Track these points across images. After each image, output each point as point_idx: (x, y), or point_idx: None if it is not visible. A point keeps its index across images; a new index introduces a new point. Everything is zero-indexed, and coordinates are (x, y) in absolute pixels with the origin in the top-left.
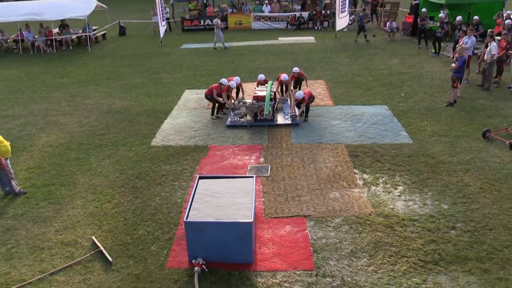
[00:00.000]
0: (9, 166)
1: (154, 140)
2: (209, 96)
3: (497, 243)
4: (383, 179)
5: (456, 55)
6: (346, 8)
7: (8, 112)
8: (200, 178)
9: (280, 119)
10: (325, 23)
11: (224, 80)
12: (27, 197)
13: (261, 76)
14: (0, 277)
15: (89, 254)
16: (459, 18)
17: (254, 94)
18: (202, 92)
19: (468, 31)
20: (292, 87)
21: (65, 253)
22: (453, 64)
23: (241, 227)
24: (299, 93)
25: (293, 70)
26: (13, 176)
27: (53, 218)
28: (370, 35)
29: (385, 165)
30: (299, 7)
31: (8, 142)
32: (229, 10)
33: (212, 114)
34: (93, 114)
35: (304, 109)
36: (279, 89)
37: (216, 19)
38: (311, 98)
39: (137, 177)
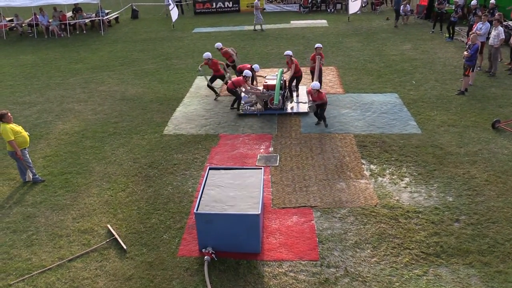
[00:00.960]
0: (27, 156)
1: (166, 129)
2: (233, 90)
3: (499, 236)
4: (390, 170)
5: (469, 42)
6: None
7: (25, 98)
8: (210, 169)
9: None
10: (338, 6)
11: (247, 72)
12: (45, 185)
13: (218, 44)
14: (22, 263)
15: (104, 242)
16: (473, 2)
17: (265, 83)
18: None
19: (482, 16)
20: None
21: (82, 241)
22: (465, 52)
23: (249, 219)
24: (316, 84)
25: (316, 46)
26: (31, 165)
27: (70, 206)
28: (384, 18)
29: (393, 155)
30: None
31: (27, 133)
32: None
33: (233, 105)
34: (107, 101)
35: (320, 113)
36: (290, 77)
37: (256, 1)
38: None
39: (150, 166)
